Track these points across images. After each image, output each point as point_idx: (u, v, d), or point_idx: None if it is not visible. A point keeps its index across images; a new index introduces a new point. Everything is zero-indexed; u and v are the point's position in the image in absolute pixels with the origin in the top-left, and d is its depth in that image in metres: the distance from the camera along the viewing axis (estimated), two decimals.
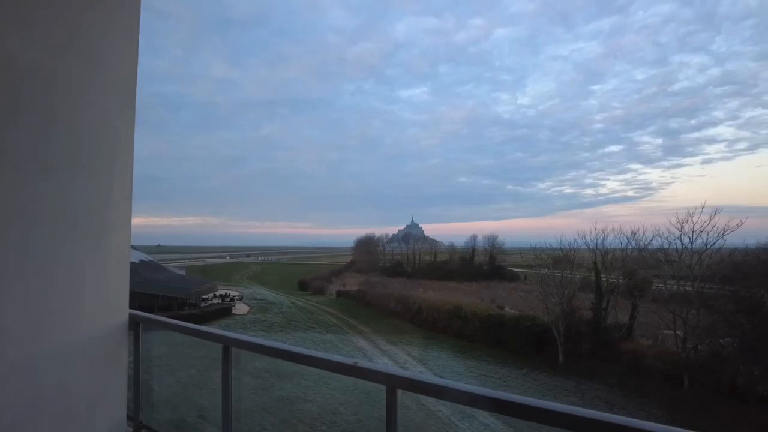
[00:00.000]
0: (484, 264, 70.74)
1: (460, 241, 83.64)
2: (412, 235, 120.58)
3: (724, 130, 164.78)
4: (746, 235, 26.99)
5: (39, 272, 2.13)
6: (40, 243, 2.13)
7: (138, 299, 30.25)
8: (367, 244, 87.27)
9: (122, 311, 2.57)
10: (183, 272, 54.42)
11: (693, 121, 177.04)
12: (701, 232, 24.31)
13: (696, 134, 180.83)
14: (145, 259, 45.11)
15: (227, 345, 2.29)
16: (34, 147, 2.10)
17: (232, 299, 45.67)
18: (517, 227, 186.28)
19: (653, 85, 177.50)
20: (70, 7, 2.21)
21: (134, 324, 2.80)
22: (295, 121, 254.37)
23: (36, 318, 2.13)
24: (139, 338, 2.85)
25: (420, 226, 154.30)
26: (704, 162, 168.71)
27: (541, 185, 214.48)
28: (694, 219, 24.49)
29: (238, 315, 39.14)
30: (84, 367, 2.32)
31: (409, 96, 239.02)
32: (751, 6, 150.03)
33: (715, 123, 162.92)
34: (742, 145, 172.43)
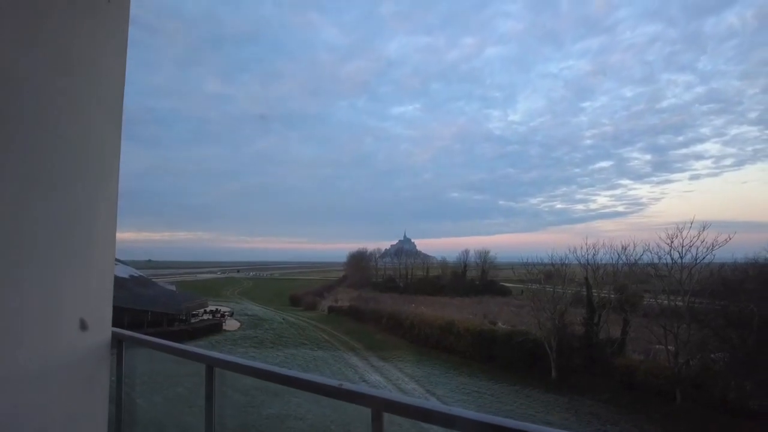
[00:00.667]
0: (476, 279, 70.75)
1: (452, 256, 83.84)
2: (404, 250, 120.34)
3: (711, 147, 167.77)
4: (735, 249, 27.33)
5: (16, 288, 2.07)
6: (18, 257, 2.08)
7: (127, 315, 29.96)
8: (359, 259, 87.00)
9: (104, 329, 2.49)
10: (173, 287, 53.88)
11: (680, 138, 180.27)
12: (690, 247, 24.50)
13: (684, 150, 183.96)
14: (135, 274, 44.61)
15: (211, 365, 2.24)
16: (17, 158, 2.07)
17: (222, 315, 45.25)
18: (509, 242, 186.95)
19: (641, 102, 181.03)
20: (59, 19, 2.19)
21: (117, 342, 2.73)
22: (289, 136, 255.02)
23: (11, 337, 2.06)
24: (122, 357, 2.78)
25: (412, 240, 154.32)
26: (692, 178, 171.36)
27: (533, 200, 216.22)
28: (684, 234, 24.71)
29: (229, 331, 38.69)
30: (63, 388, 2.24)
31: (401, 112, 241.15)
32: (734, 27, 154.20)
33: (702, 139, 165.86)
34: (728, 162, 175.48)
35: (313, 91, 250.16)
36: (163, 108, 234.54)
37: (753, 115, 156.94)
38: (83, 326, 2.21)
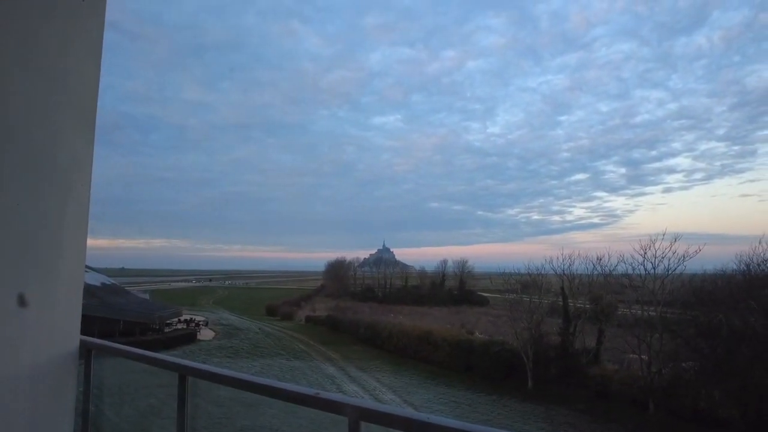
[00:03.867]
0: (454, 289, 71.08)
1: (431, 266, 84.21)
2: (383, 259, 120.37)
3: (683, 161, 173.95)
4: (704, 261, 28.08)
5: None
6: None
7: (98, 324, 29.15)
8: (337, 268, 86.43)
9: (72, 338, 2.41)
10: (147, 296, 52.81)
11: (654, 152, 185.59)
12: (663, 258, 25.05)
13: (657, 164, 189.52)
14: (107, 282, 43.51)
15: (183, 374, 2.18)
16: None
17: (197, 324, 44.54)
18: (487, 252, 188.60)
19: (616, 117, 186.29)
20: (26, 20, 2.13)
21: (86, 351, 2.63)
22: (269, 145, 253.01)
23: None
24: (91, 367, 2.68)
25: (391, 250, 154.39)
26: (665, 191, 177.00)
27: (510, 211, 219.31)
28: (656, 245, 25.25)
29: (203, 341, 38.00)
30: (26, 400, 2.15)
31: (382, 123, 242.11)
32: (702, 48, 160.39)
33: (674, 154, 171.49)
34: (698, 176, 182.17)
35: (294, 100, 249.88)
36: (142, 114, 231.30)
37: (721, 131, 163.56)
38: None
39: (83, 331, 2.50)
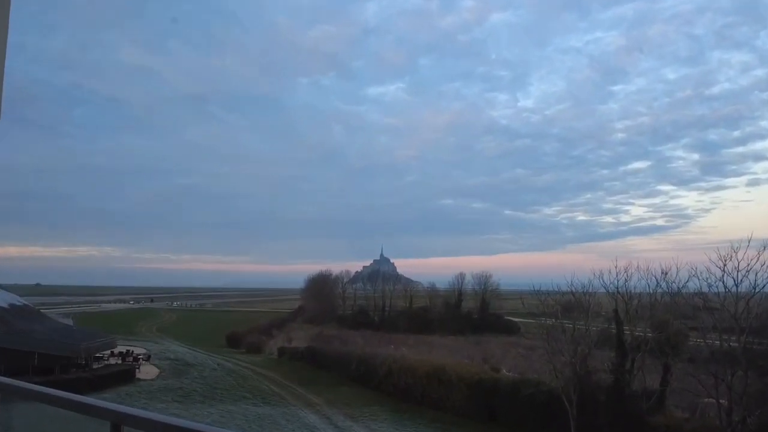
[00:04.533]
0: (474, 312, 71.14)
1: (443, 282, 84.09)
2: (380, 272, 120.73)
3: None
4: None
5: None
6: None
7: (5, 358, 29.08)
8: (321, 284, 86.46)
9: None
10: (70, 321, 52.94)
11: (736, 133, 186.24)
12: (748, 271, 24.91)
13: (740, 149, 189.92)
14: (17, 303, 43.56)
15: (117, 422, 2.19)
16: None
17: (135, 359, 44.69)
18: (517, 264, 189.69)
19: (687, 87, 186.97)
20: None
21: None
22: (233, 124, 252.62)
23: None
24: None
25: (391, 261, 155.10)
26: (750, 183, 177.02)
27: (547, 211, 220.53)
28: (740, 255, 25.10)
29: (144, 380, 38.24)
30: None
31: (379, 94, 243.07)
32: None
33: (762, 135, 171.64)
34: None
35: (265, 65, 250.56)
36: (63, 82, 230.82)
37: None
38: None
39: None
